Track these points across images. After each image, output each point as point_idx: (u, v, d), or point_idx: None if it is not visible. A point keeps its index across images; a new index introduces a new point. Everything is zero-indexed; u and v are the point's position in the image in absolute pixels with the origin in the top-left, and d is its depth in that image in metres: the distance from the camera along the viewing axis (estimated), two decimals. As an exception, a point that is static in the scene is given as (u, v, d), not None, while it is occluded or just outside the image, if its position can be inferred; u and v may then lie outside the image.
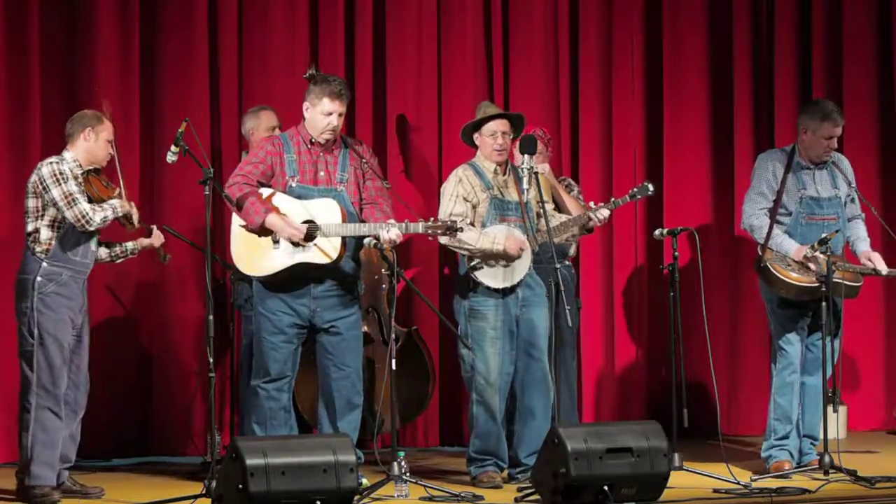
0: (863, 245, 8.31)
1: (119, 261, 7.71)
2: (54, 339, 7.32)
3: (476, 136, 7.99)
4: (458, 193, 7.84)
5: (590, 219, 7.97)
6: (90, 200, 7.40)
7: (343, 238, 7.51)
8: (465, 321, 7.88)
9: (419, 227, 7.53)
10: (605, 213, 7.98)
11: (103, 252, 7.61)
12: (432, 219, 7.61)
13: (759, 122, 10.03)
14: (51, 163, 7.38)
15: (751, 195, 8.27)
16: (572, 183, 8.94)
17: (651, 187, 8.16)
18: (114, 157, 7.53)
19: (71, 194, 7.29)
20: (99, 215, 7.30)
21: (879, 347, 10.24)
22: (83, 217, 7.28)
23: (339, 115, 7.62)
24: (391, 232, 7.45)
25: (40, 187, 7.35)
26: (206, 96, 8.98)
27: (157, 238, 7.68)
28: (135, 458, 8.76)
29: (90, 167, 7.45)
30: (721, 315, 9.76)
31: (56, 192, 7.31)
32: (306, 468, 6.62)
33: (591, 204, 8.05)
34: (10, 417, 8.45)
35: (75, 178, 7.34)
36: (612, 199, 8.11)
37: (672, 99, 9.92)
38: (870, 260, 8.23)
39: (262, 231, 7.49)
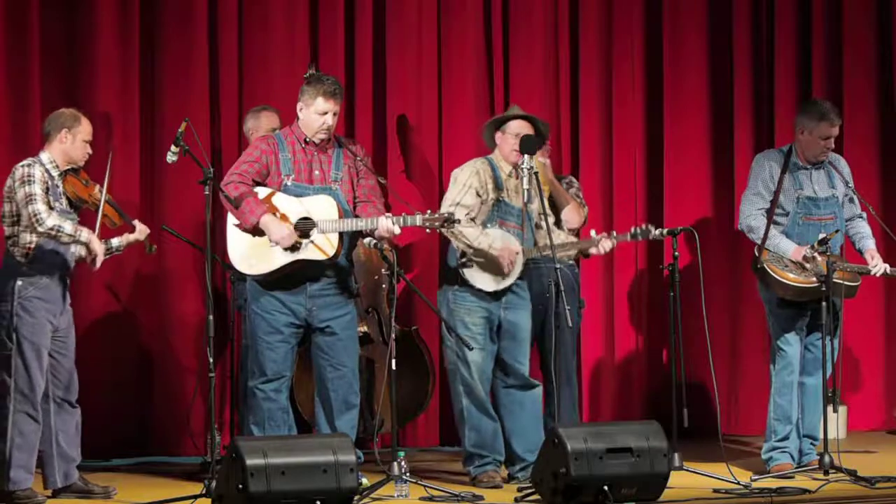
0: (869, 242, 8.33)
1: (105, 258, 7.55)
2: (32, 344, 7.29)
3: (498, 133, 7.95)
4: (471, 185, 7.82)
5: (593, 246, 7.97)
6: (69, 201, 7.39)
7: (340, 235, 7.51)
8: (448, 314, 7.85)
9: (417, 219, 7.52)
10: (608, 245, 7.97)
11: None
12: (429, 211, 7.61)
13: (759, 122, 10.05)
14: (22, 166, 7.36)
15: (748, 195, 8.30)
16: (573, 180, 8.92)
17: (654, 230, 8.06)
18: (109, 155, 7.50)
19: (31, 195, 7.25)
20: (52, 220, 7.21)
21: (879, 347, 10.26)
22: (36, 216, 7.22)
23: (334, 114, 7.62)
24: (385, 224, 7.43)
25: (11, 191, 7.34)
26: (205, 96, 8.98)
27: (141, 232, 7.54)
28: (134, 457, 8.76)
29: (68, 167, 7.42)
30: (721, 315, 9.77)
31: (20, 193, 7.29)
32: (306, 468, 6.62)
33: (593, 232, 8.05)
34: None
35: (45, 182, 7.30)
36: (614, 234, 8.10)
37: (672, 99, 9.94)
38: (873, 258, 8.24)
39: (256, 231, 7.49)
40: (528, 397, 7.91)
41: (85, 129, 7.46)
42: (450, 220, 7.50)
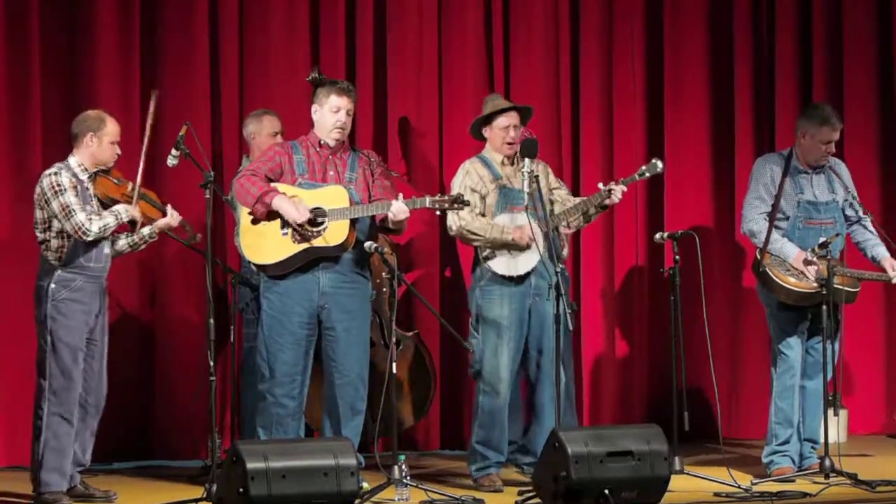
0: (882, 251, 8.33)
1: (141, 248, 7.71)
2: (66, 346, 7.37)
3: (485, 129, 8.06)
4: (466, 185, 7.91)
5: (607, 196, 7.96)
6: (101, 202, 7.46)
7: (351, 224, 7.52)
8: (476, 311, 7.95)
9: (426, 201, 7.57)
10: (619, 191, 7.95)
11: (122, 243, 7.60)
12: (438, 194, 7.67)
13: (759, 124, 10.05)
14: (49, 174, 7.42)
15: (749, 200, 8.30)
16: (561, 182, 8.85)
17: (660, 164, 8.11)
18: (142, 149, 7.57)
19: (68, 206, 7.33)
20: (96, 225, 7.34)
21: (880, 351, 10.26)
22: (79, 228, 7.32)
23: (347, 112, 7.67)
24: (398, 205, 7.49)
25: (42, 200, 7.41)
26: (206, 100, 9.01)
27: (173, 218, 7.59)
28: (135, 461, 8.81)
29: (96, 169, 7.50)
30: (722, 318, 9.80)
31: (55, 205, 7.36)
32: (307, 472, 6.65)
33: (600, 185, 8.05)
34: (13, 420, 8.60)
35: (75, 187, 7.37)
36: (621, 179, 8.11)
37: (673, 101, 9.95)
38: (893, 269, 8.25)
39: (269, 216, 7.53)
40: (549, 401, 7.91)
41: (110, 130, 7.51)
42: (458, 201, 7.56)
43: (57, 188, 7.37)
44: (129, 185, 7.52)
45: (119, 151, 7.56)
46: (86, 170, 7.47)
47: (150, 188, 8.90)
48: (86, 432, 7.51)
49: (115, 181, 7.53)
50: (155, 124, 7.64)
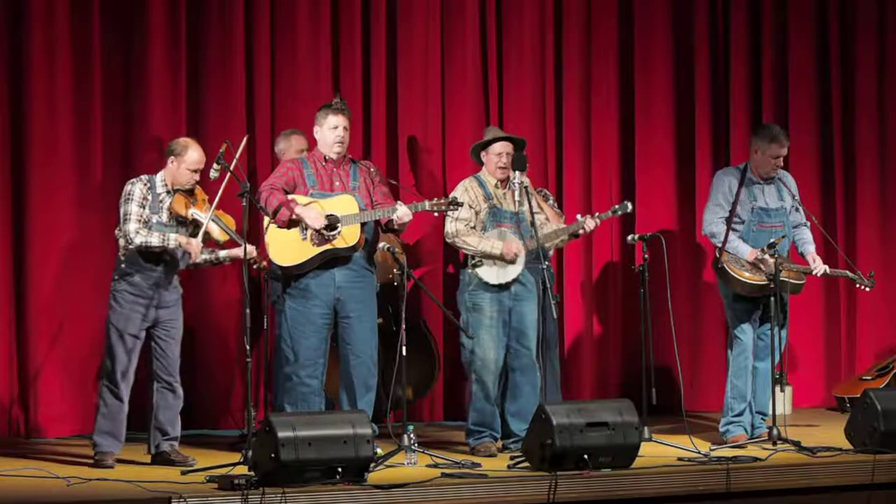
0: (809, 248, 8.38)
1: (216, 265, 7.71)
2: (116, 331, 7.38)
3: (483, 153, 8.05)
4: (464, 201, 7.88)
5: (580, 228, 8.03)
6: (172, 216, 7.40)
7: (361, 227, 7.54)
8: (465, 312, 7.95)
9: (426, 205, 7.59)
10: (591, 224, 8.01)
11: (203, 259, 7.57)
12: (435, 199, 7.69)
13: (717, 142, 10.07)
14: (129, 183, 7.46)
15: (710, 206, 8.32)
16: (548, 193, 8.99)
17: (630, 206, 8.18)
18: (225, 173, 7.33)
19: (127, 213, 7.37)
20: (140, 238, 7.31)
21: (820, 336, 10.28)
22: (126, 235, 7.36)
23: (344, 128, 7.64)
24: (403, 209, 7.49)
25: (119, 203, 7.46)
26: (243, 122, 8.97)
27: (245, 252, 7.29)
28: (182, 430, 8.50)
29: (176, 188, 7.46)
30: (684, 308, 9.79)
31: (121, 210, 7.41)
32: (329, 440, 6.67)
33: (578, 216, 8.09)
34: (82, 395, 8.58)
35: (143, 198, 7.37)
36: (597, 214, 8.14)
37: (642, 122, 9.93)
38: (814, 261, 8.30)
39: (291, 224, 7.54)
40: (528, 383, 7.94)
41: (190, 158, 7.42)
42: (454, 204, 7.56)
43: (127, 196, 7.40)
44: (205, 206, 7.43)
45: (197, 178, 7.44)
46: (166, 185, 7.46)
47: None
48: (168, 407, 7.47)
49: (192, 200, 7.44)
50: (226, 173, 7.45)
